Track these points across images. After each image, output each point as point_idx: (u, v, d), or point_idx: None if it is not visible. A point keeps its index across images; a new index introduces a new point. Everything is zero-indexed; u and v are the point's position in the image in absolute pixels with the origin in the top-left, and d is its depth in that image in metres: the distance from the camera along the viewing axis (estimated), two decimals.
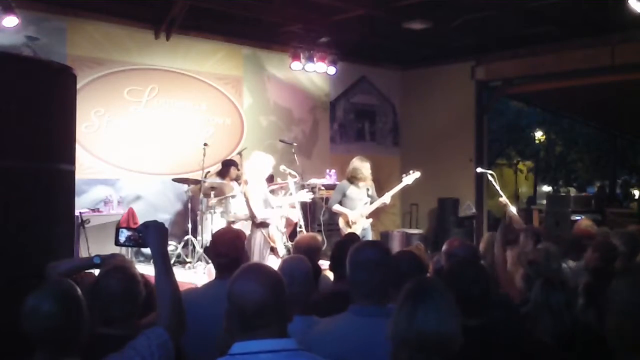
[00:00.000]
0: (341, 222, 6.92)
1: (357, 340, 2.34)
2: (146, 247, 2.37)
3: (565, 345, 2.52)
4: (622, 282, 1.74)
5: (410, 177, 7.03)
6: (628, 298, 1.68)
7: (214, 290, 2.45)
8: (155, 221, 2.40)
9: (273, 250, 6.04)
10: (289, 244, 6.58)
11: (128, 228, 2.46)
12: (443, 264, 3.54)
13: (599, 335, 2.40)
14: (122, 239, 2.45)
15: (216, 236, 3.50)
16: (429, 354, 1.77)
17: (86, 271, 3.06)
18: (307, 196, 6.52)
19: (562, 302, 2.58)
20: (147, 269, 6.49)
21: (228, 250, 3.29)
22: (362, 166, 6.83)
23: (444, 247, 3.70)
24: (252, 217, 6.05)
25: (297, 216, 6.79)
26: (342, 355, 2.32)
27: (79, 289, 2.15)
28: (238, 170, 8.11)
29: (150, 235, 2.33)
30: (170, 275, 2.30)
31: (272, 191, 7.05)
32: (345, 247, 3.58)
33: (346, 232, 6.83)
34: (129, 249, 6.97)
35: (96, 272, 2.80)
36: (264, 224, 6.02)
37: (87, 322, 2.11)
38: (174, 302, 2.25)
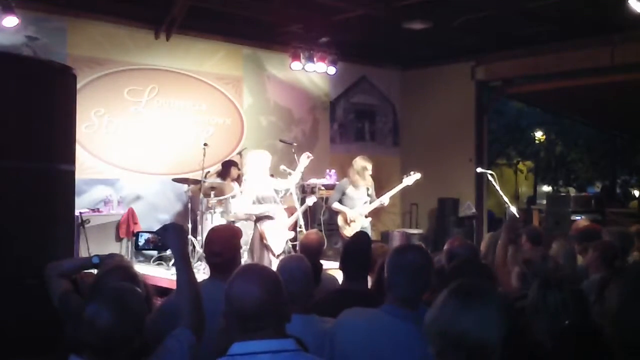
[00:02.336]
0: (340, 221, 6.95)
1: (384, 337, 2.37)
2: (166, 249, 2.38)
3: (562, 345, 2.51)
4: (616, 285, 1.74)
5: (411, 178, 7.06)
6: (624, 299, 1.68)
7: (205, 290, 2.37)
8: (174, 223, 2.43)
9: (266, 247, 6.03)
10: (289, 244, 6.58)
11: (148, 231, 2.49)
12: (444, 264, 3.56)
13: (598, 335, 2.40)
14: (141, 242, 2.49)
15: (211, 234, 3.29)
16: (463, 354, 1.75)
17: (85, 271, 3.07)
18: (311, 200, 6.72)
19: (559, 302, 2.58)
20: (145, 269, 6.54)
21: (223, 249, 3.15)
22: (365, 167, 6.88)
23: (445, 246, 3.74)
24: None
25: (297, 207, 6.80)
26: (366, 348, 2.36)
27: (139, 296, 2.15)
28: (238, 170, 8.11)
29: (169, 238, 2.34)
30: (191, 276, 2.32)
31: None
32: (355, 247, 3.59)
33: (345, 231, 6.86)
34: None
35: (95, 272, 2.81)
36: (259, 219, 6.06)
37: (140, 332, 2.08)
38: (194, 302, 2.27)
